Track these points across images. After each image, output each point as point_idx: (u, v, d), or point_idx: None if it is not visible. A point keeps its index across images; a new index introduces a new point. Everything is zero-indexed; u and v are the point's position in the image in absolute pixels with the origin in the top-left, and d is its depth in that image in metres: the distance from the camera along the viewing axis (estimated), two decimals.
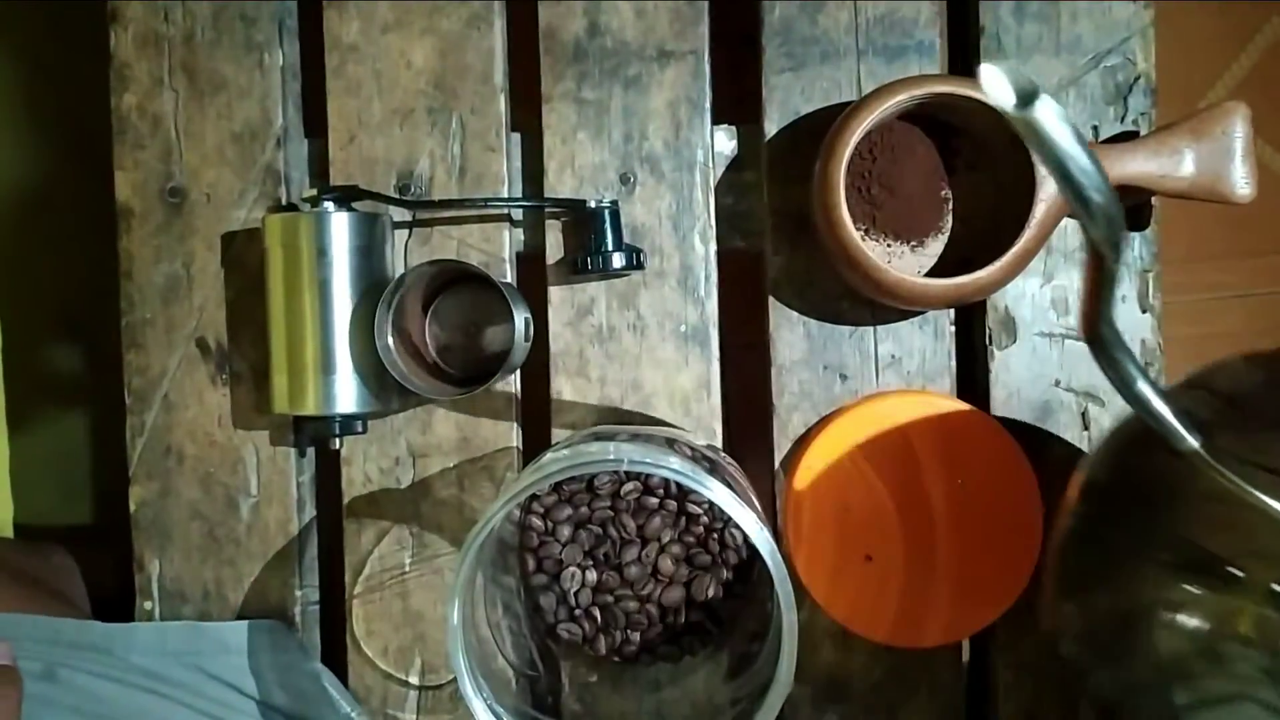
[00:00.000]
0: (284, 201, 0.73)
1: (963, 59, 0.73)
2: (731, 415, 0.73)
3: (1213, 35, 1.16)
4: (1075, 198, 0.40)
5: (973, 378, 0.73)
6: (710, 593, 0.68)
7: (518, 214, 0.73)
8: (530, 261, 0.73)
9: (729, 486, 0.57)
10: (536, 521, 0.69)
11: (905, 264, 0.68)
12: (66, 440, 0.93)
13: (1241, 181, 0.64)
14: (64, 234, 0.93)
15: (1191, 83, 1.16)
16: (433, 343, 0.73)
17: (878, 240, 0.68)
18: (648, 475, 0.68)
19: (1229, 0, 1.16)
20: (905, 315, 0.72)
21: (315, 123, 0.74)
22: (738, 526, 0.55)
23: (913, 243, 0.68)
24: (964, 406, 0.70)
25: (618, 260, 0.70)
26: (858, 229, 0.65)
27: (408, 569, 0.73)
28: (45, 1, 0.93)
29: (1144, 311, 0.71)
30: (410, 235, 0.73)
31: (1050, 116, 0.38)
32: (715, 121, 0.73)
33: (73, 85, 0.91)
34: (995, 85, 0.37)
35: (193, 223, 0.73)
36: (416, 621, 0.73)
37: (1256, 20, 1.17)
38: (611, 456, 0.54)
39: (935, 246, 0.69)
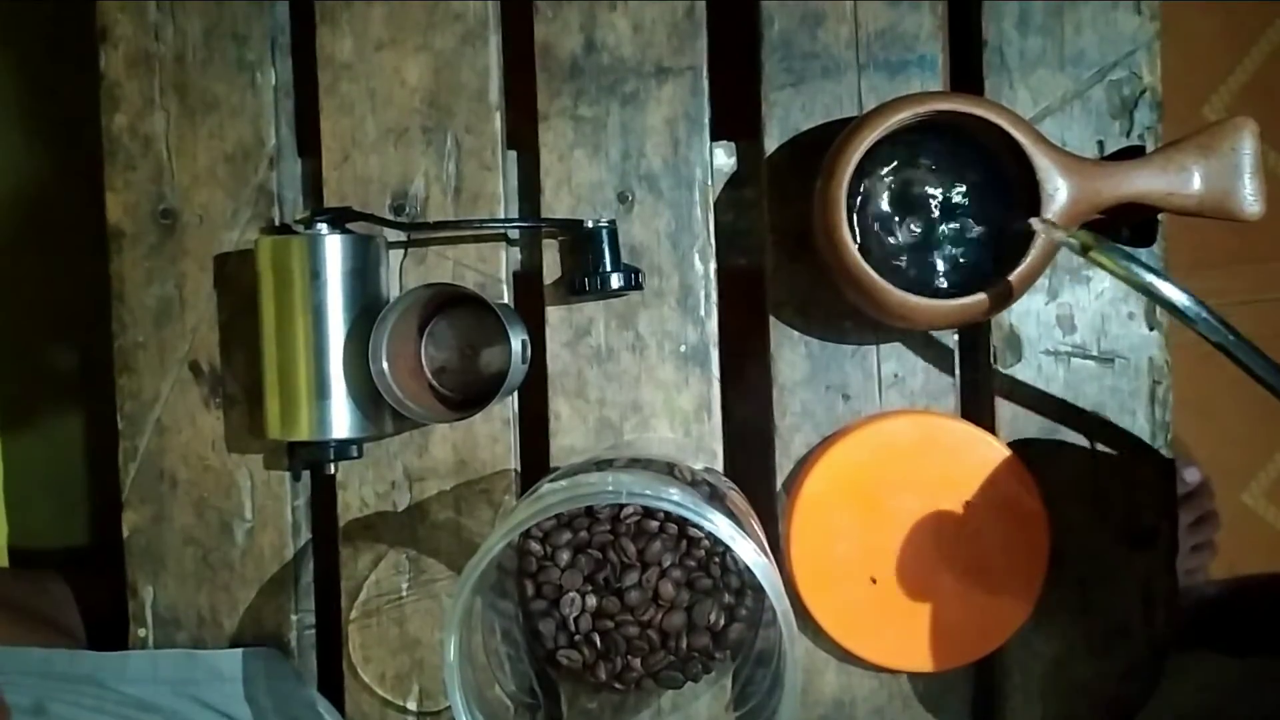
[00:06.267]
0: (277, 222, 0.72)
1: (965, 73, 0.72)
2: (732, 436, 0.72)
3: (1215, 39, 1.15)
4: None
5: (977, 397, 0.72)
6: (712, 618, 0.66)
7: (514, 234, 0.72)
8: (527, 281, 0.72)
9: (730, 513, 0.56)
10: (535, 546, 0.67)
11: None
12: (62, 463, 0.93)
13: (1250, 199, 0.62)
14: (60, 254, 0.92)
15: (1194, 88, 1.15)
16: (429, 365, 0.72)
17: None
18: None
19: (1232, 2, 1.14)
20: (909, 334, 0.71)
21: (308, 142, 0.73)
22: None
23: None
24: (968, 426, 0.69)
25: (616, 281, 0.69)
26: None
27: (405, 594, 0.72)
28: (41, 20, 0.92)
29: (1151, 329, 0.70)
30: (405, 256, 0.72)
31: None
32: (714, 138, 0.72)
33: (69, 104, 0.90)
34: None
35: (185, 244, 0.72)
36: (414, 647, 0.72)
37: (1260, 24, 1.16)
38: (610, 488, 0.53)
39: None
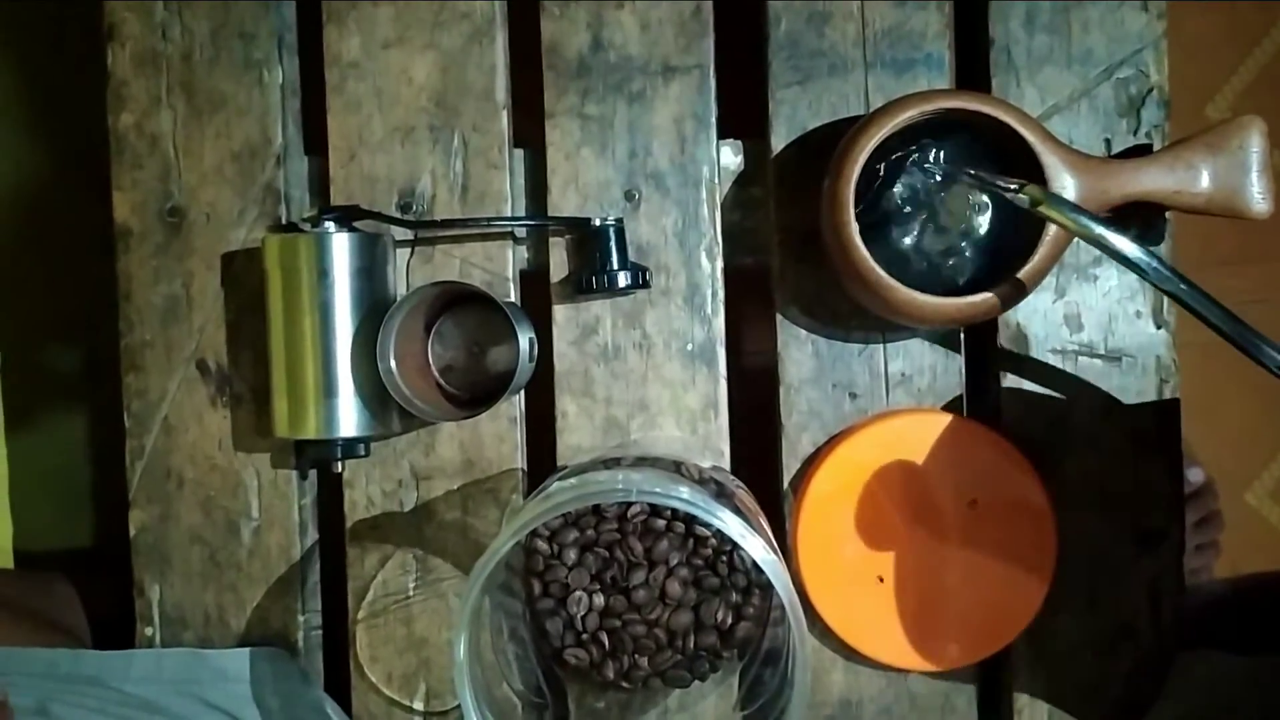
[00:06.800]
0: (284, 221, 0.72)
1: (972, 71, 0.72)
2: (739, 435, 0.72)
3: (1219, 39, 1.15)
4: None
5: (984, 396, 0.72)
6: (719, 616, 0.66)
7: (521, 232, 0.72)
8: (534, 280, 0.72)
9: (737, 511, 0.56)
10: (542, 545, 0.67)
11: None
12: (66, 464, 0.93)
13: (1259, 197, 0.62)
14: (65, 253, 0.92)
15: (1198, 88, 1.15)
16: (436, 364, 0.72)
17: None
18: None
19: (1236, 2, 1.14)
20: (915, 333, 0.70)
21: (315, 141, 0.73)
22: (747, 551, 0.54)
23: None
24: (975, 425, 0.69)
25: (623, 279, 0.69)
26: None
27: (412, 594, 0.72)
28: (46, 19, 0.92)
29: (1158, 328, 0.70)
30: (412, 254, 0.72)
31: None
32: (721, 136, 0.72)
33: (74, 103, 0.90)
34: None
35: (192, 243, 0.72)
36: (421, 647, 0.72)
37: (1263, 24, 1.16)
38: (620, 486, 0.53)
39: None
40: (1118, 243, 0.57)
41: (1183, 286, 0.57)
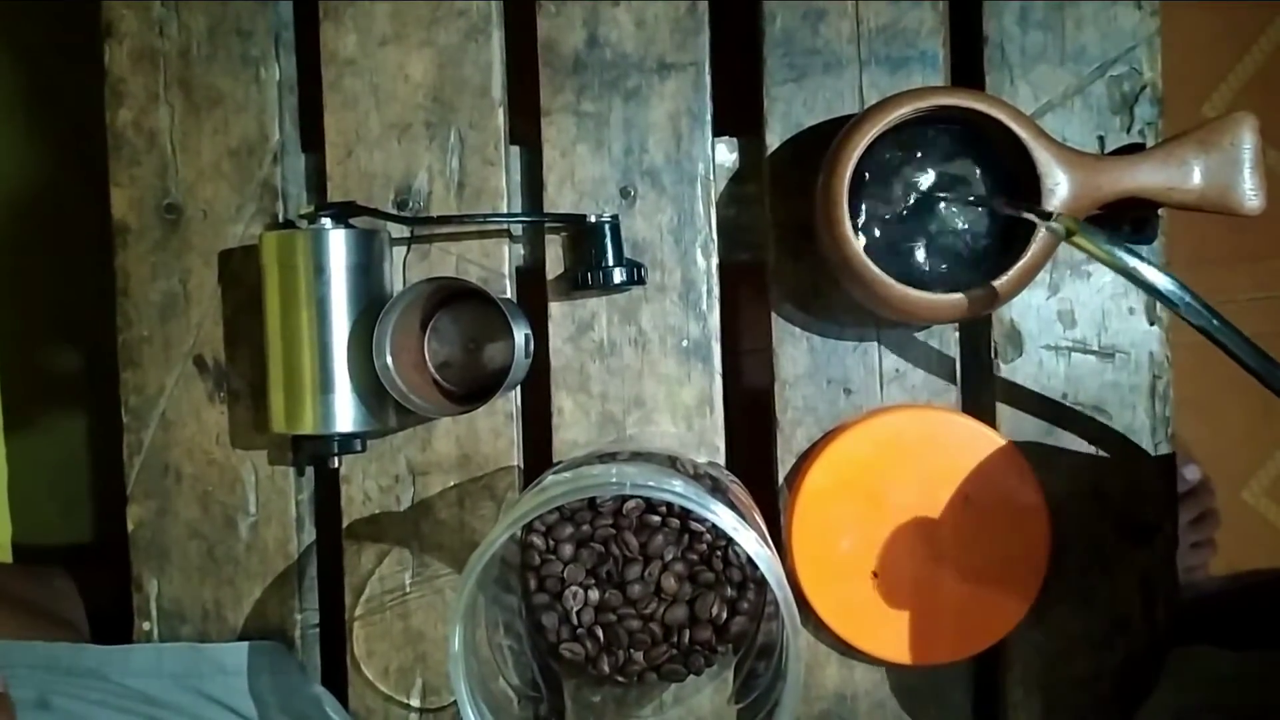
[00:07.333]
0: (281, 217, 0.72)
1: (966, 68, 0.73)
2: (734, 430, 0.72)
3: (1216, 37, 1.15)
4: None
5: (978, 392, 0.72)
6: (714, 611, 0.67)
7: (517, 229, 0.72)
8: (530, 276, 0.73)
9: (732, 506, 0.56)
10: (538, 540, 0.68)
11: None
12: (66, 459, 0.93)
13: (1250, 193, 0.63)
14: (64, 250, 0.92)
15: (1194, 87, 1.15)
16: (432, 360, 0.72)
17: None
18: None
19: (1232, 1, 1.15)
20: (910, 329, 0.71)
21: (312, 137, 0.74)
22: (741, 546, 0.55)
23: None
24: (970, 421, 0.69)
25: (618, 276, 0.69)
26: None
27: (408, 589, 0.72)
28: (44, 16, 0.92)
29: (1151, 324, 0.70)
30: (409, 251, 0.72)
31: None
32: (716, 134, 0.72)
33: (73, 99, 0.90)
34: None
35: (189, 239, 0.73)
36: (417, 642, 0.72)
37: (1260, 23, 1.16)
38: (614, 480, 0.53)
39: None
40: (1151, 275, 0.57)
41: (1215, 322, 0.57)
